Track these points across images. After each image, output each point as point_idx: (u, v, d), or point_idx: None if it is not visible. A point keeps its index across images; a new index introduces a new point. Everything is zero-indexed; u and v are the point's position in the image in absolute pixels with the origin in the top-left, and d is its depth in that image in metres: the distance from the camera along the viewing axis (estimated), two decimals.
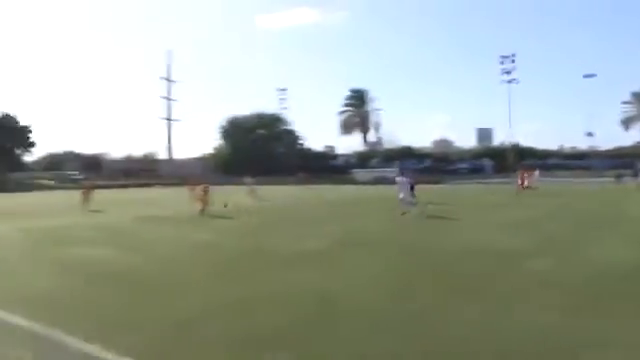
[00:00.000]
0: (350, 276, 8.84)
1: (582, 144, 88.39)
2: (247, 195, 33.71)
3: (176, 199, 32.41)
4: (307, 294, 7.58)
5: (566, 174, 64.43)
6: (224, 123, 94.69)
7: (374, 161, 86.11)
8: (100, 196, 29.91)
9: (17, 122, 78.14)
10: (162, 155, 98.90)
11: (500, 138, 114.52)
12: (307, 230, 15.90)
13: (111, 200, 31.44)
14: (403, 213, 19.22)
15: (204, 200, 21.07)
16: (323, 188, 44.26)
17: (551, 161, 77.94)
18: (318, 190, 42.76)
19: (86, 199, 25.23)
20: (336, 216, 20.82)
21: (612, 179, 47.27)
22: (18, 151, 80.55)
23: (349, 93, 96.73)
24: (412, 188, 25.62)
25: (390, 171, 72.17)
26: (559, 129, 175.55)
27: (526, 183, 31.37)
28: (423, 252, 11.40)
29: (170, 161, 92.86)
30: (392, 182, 28.01)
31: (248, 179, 32.84)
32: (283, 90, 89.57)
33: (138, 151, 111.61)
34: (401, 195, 20.62)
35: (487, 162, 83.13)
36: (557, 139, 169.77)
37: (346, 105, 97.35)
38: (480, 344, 5.33)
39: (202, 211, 20.37)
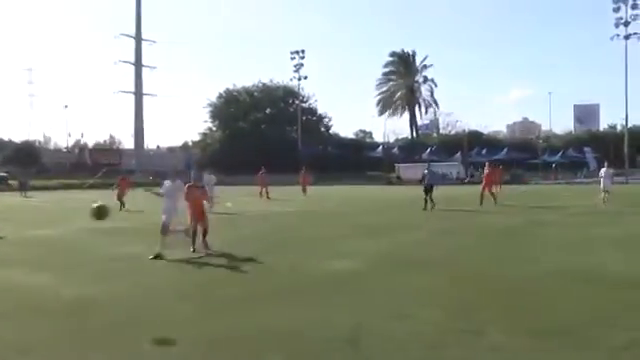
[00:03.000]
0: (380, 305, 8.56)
1: None
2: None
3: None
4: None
5: None
6: (215, 99, 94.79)
7: (427, 151, 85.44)
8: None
9: None
10: (127, 144, 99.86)
11: (610, 119, 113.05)
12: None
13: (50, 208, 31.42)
14: None
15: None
16: (331, 190, 43.90)
17: None
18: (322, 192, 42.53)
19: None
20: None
21: None
22: None
23: (389, 58, 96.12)
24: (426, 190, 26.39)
25: (449, 165, 72.08)
26: None
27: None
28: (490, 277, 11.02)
29: (140, 152, 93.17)
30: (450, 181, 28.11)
31: (208, 176, 30.68)
32: (298, 53, 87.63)
33: (93, 138, 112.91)
34: None
35: (589, 153, 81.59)
36: None
37: (386, 75, 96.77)
38: None
39: None
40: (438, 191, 26.45)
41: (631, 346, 6.58)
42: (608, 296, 9.15)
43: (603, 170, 30.13)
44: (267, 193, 37.37)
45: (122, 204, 29.23)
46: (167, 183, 14.60)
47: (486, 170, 29.94)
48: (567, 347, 6.59)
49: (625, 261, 12.15)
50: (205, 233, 14.32)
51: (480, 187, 28.54)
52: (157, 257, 12.91)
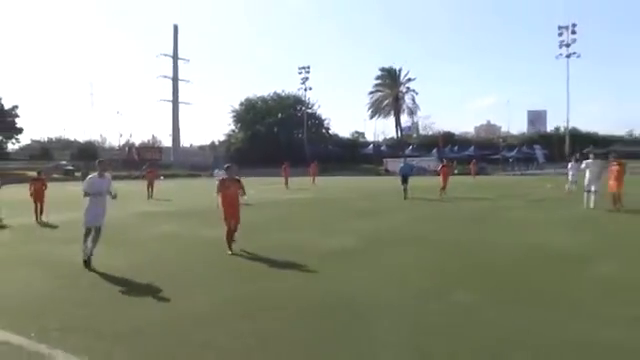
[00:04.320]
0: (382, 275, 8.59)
1: None
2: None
3: (180, 193, 32.28)
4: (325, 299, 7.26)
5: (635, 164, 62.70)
6: (237, 106, 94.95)
7: (409, 149, 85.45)
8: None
9: (0, 105, 73.53)
10: (166, 143, 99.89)
11: (555, 122, 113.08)
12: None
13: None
14: None
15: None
16: (330, 180, 43.78)
17: (616, 149, 75.84)
18: (323, 183, 42.49)
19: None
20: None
21: None
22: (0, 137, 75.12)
23: (379, 72, 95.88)
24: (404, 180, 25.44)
25: (426, 160, 72.01)
26: (625, 112, 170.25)
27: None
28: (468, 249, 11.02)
29: (176, 149, 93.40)
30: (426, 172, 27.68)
31: (217, 171, 29.08)
32: (305, 68, 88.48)
33: (139, 138, 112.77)
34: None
35: (539, 150, 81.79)
36: (623, 123, 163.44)
37: (376, 86, 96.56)
38: None
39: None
40: (419, 181, 26.29)
41: (574, 306, 6.67)
42: (557, 267, 9.19)
43: (571, 164, 27.12)
44: (286, 183, 37.08)
45: (151, 192, 28.70)
46: (92, 177, 10.12)
47: (441, 165, 28.50)
48: (521, 304, 6.72)
49: (570, 239, 12.15)
50: (233, 232, 11.07)
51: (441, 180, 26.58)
52: (86, 264, 9.45)
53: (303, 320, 6.28)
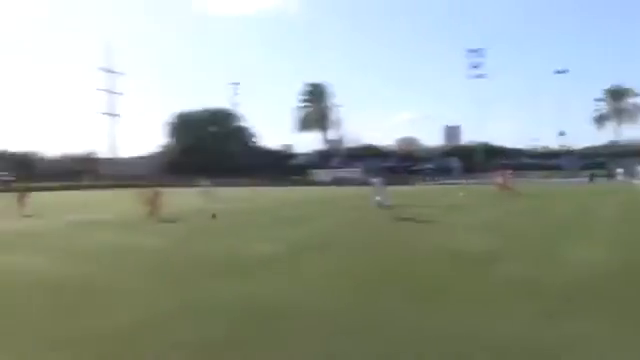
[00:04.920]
0: (306, 280, 8.28)
1: (553, 143, 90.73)
2: (202, 197, 32.01)
3: (117, 202, 30.89)
4: (250, 304, 6.89)
5: (537, 174, 65.81)
6: (171, 120, 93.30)
7: (335, 160, 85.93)
8: (36, 199, 27.95)
9: None
10: (103, 154, 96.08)
11: (468, 136, 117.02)
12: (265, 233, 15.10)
13: (47, 204, 29.46)
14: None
15: (154, 204, 20.22)
16: (270, 191, 43.30)
17: (522, 161, 79.30)
18: (269, 192, 41.94)
19: (21, 203, 23.57)
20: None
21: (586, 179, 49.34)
22: None
23: (306, 88, 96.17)
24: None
25: (352, 171, 72.50)
26: (530, 128, 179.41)
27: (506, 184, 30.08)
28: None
29: (112, 160, 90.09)
30: (352, 183, 27.64)
31: (204, 181, 29.60)
32: (235, 84, 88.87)
33: (76, 150, 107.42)
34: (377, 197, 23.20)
35: (455, 162, 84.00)
36: (528, 138, 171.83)
37: (303, 101, 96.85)
38: None
39: (151, 215, 19.34)
40: (345, 190, 26.11)
41: (487, 305, 6.53)
42: (469, 268, 9.15)
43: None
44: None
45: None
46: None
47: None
48: (442, 306, 6.51)
49: (478, 242, 12.20)
50: None
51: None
52: None
53: (230, 328, 5.88)
